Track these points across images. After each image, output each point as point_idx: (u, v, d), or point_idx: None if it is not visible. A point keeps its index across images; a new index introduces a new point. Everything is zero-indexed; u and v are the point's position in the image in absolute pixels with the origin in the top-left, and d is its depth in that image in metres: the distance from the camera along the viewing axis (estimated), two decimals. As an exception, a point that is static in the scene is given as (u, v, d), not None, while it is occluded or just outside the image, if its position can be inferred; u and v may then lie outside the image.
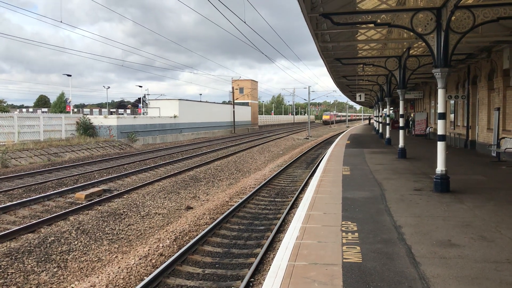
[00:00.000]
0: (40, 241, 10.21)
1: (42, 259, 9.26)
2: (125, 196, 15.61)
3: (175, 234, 10.92)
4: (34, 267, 8.83)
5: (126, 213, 13.33)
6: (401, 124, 19.62)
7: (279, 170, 21.76)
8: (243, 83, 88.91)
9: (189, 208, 14.35)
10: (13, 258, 9.13)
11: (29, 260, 9.10)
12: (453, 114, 26.62)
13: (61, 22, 28.29)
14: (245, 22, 16.90)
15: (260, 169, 24.35)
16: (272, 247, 9.66)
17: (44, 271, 8.68)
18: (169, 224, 12.30)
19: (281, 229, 11.03)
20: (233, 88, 77.14)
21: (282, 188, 17.58)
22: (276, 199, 15.40)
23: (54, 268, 8.89)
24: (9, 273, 8.40)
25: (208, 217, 12.72)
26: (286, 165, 24.20)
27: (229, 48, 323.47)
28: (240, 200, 14.36)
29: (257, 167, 25.06)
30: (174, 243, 10.29)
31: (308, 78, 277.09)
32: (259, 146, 38.20)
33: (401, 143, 18.67)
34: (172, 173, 21.16)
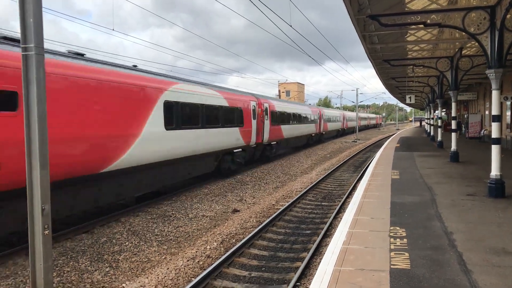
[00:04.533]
0: (93, 241, 10.64)
1: (95, 258, 9.63)
2: (174, 199, 15.97)
3: (222, 236, 11.06)
4: (88, 266, 9.20)
5: (174, 215, 13.64)
6: (453, 126, 19.00)
7: (326, 174, 21.58)
8: (290, 86, 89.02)
9: (235, 211, 14.49)
10: (69, 257, 9.56)
11: (83, 259, 9.49)
12: (509, 116, 25.44)
13: (113, 30, 29.14)
14: (291, 26, 16.90)
15: (307, 172, 24.22)
16: (318, 252, 9.60)
17: (97, 270, 9.02)
18: (216, 227, 12.47)
19: (328, 234, 10.94)
20: (279, 91, 77.21)
21: (329, 192, 17.42)
22: (323, 203, 15.28)
23: (106, 267, 9.22)
24: (65, 272, 8.80)
25: (254, 220, 12.79)
26: (333, 168, 23.97)
27: (278, 51, 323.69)
28: (287, 204, 14.35)
29: (303, 171, 24.95)
30: (221, 245, 10.42)
31: (356, 80, 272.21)
32: (306, 149, 38.00)
33: (453, 146, 18.08)
34: (218, 176, 21.42)
